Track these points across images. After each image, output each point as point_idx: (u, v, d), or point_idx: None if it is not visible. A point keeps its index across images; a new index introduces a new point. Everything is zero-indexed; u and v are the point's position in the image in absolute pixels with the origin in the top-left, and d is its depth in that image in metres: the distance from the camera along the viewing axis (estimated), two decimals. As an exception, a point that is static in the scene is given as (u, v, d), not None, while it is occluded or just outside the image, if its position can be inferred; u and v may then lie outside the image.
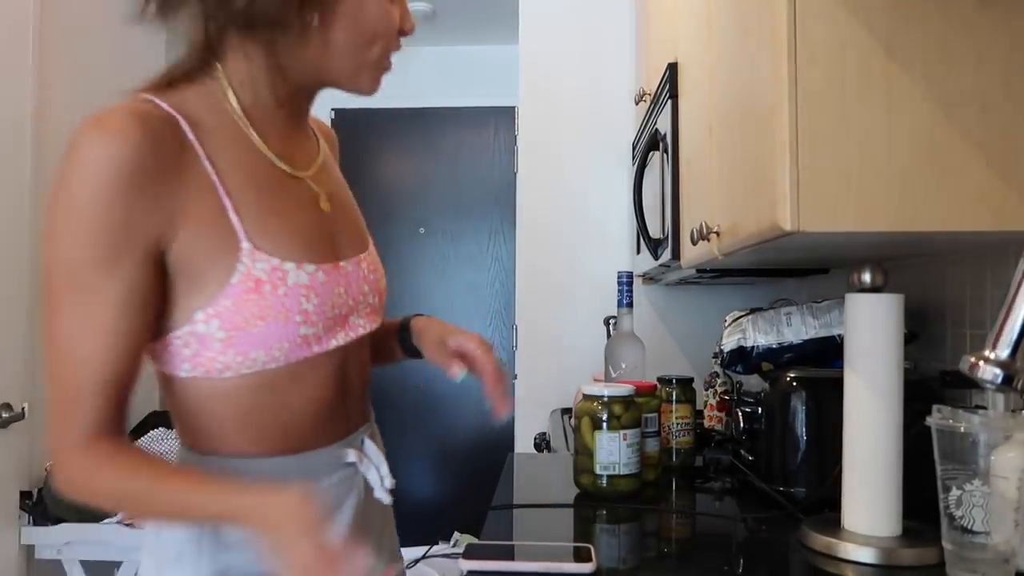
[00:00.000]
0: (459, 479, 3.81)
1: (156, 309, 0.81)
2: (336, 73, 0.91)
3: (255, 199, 0.84)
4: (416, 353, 1.09)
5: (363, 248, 0.98)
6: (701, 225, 1.37)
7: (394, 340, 1.10)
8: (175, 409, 0.89)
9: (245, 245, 0.82)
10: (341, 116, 3.75)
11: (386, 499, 0.98)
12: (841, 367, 1.07)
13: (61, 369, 0.78)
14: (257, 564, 0.82)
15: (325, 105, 3.54)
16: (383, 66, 0.93)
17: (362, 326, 0.95)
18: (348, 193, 1.03)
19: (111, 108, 0.83)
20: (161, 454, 2.39)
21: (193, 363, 0.83)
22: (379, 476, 0.97)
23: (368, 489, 0.97)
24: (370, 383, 1.02)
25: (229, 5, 0.86)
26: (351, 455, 0.94)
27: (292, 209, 0.88)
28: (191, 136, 0.82)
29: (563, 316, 2.61)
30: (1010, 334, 0.73)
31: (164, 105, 0.83)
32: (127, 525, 2.10)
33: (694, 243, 1.39)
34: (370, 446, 0.98)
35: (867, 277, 1.05)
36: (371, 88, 0.94)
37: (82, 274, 0.77)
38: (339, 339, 0.90)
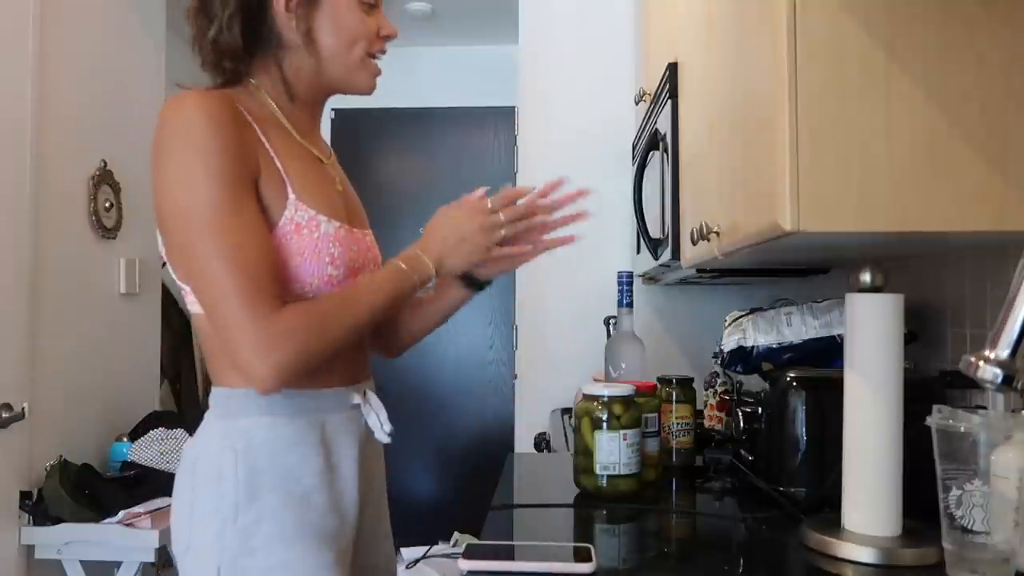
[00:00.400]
0: (459, 479, 3.81)
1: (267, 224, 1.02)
2: (332, 76, 1.14)
3: (296, 168, 1.06)
4: (478, 284, 1.24)
5: (365, 228, 1.20)
6: (701, 225, 1.37)
7: (450, 284, 1.24)
8: (208, 349, 1.08)
9: (291, 197, 1.04)
10: (341, 116, 3.76)
11: (385, 439, 1.14)
12: (841, 367, 1.07)
13: (239, 268, 0.95)
14: (285, 481, 1.02)
15: (326, 106, 3.53)
16: (370, 65, 1.15)
17: None
18: (351, 187, 1.25)
19: (186, 90, 1.01)
20: (161, 454, 2.39)
21: None
22: (379, 421, 1.13)
23: (369, 431, 1.13)
24: (367, 345, 1.20)
25: (209, 40, 1.07)
26: (356, 398, 1.12)
27: (322, 181, 1.11)
28: (245, 114, 1.04)
29: (563, 316, 2.61)
30: (1010, 334, 0.73)
31: (227, 92, 1.05)
32: (127, 525, 2.10)
33: (694, 243, 1.39)
34: (372, 395, 1.15)
35: (867, 277, 1.04)
36: (367, 85, 1.16)
37: (230, 196, 0.96)
38: None
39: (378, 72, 1.16)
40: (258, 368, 0.94)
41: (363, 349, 1.18)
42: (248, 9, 1.07)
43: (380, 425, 1.13)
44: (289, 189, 1.04)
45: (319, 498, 1.05)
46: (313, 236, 1.04)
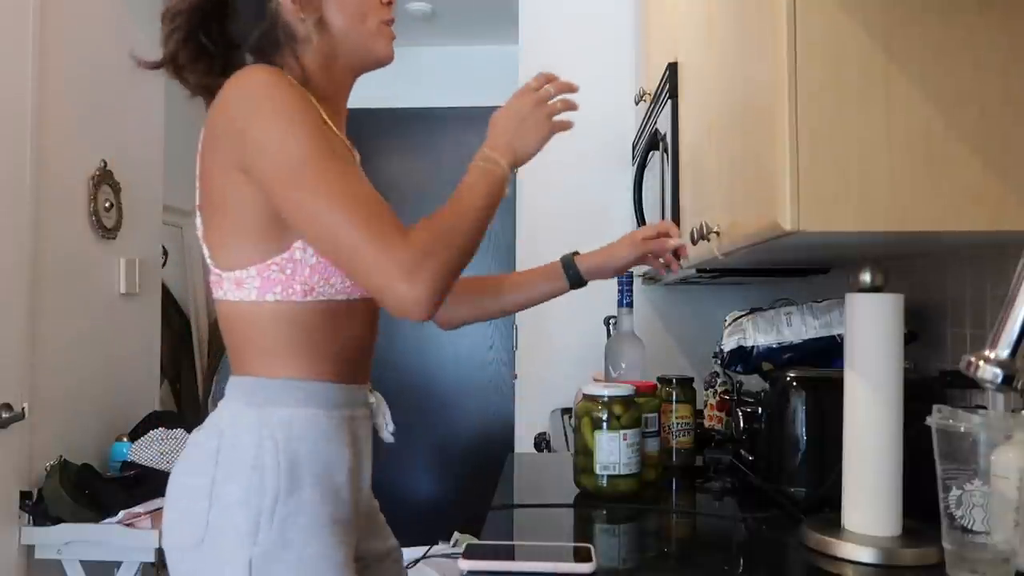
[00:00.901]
0: (459, 479, 3.81)
1: None
2: (352, 54, 1.13)
3: (340, 151, 1.01)
4: (580, 282, 1.37)
5: None
6: (701, 225, 1.37)
7: (558, 277, 1.36)
8: (243, 337, 1.06)
9: None
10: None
11: (389, 438, 1.17)
12: (841, 367, 1.07)
13: (360, 208, 0.94)
14: (322, 475, 1.02)
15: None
16: (386, 32, 1.14)
17: None
18: None
19: (254, 65, 1.03)
20: (161, 454, 2.39)
21: (284, 286, 1.02)
22: (385, 422, 1.17)
23: (374, 430, 1.16)
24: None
25: (229, 33, 1.09)
26: (371, 397, 1.16)
27: (362, 174, 1.05)
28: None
29: (563, 316, 2.61)
30: (1010, 334, 0.73)
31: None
32: (127, 525, 2.10)
33: (694, 243, 1.39)
34: (378, 395, 1.18)
35: (867, 277, 1.05)
36: (386, 52, 1.15)
37: (326, 145, 0.96)
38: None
39: (393, 36, 1.15)
40: (411, 294, 0.92)
41: (372, 354, 1.18)
42: (205, 21, 1.08)
43: (386, 424, 1.17)
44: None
45: (346, 493, 1.06)
46: None
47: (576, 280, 1.36)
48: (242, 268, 1.02)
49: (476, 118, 4.24)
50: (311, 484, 1.01)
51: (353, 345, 1.10)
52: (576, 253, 1.37)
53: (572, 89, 1.17)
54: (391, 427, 1.17)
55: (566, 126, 1.17)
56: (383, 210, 0.95)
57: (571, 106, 1.16)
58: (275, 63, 1.07)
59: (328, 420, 1.05)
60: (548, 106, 1.13)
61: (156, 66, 1.10)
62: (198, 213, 1.08)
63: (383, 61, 1.15)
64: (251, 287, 1.03)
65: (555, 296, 1.37)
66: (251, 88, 0.98)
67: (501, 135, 1.12)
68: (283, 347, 1.04)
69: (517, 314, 2.67)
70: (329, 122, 1.07)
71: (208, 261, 1.07)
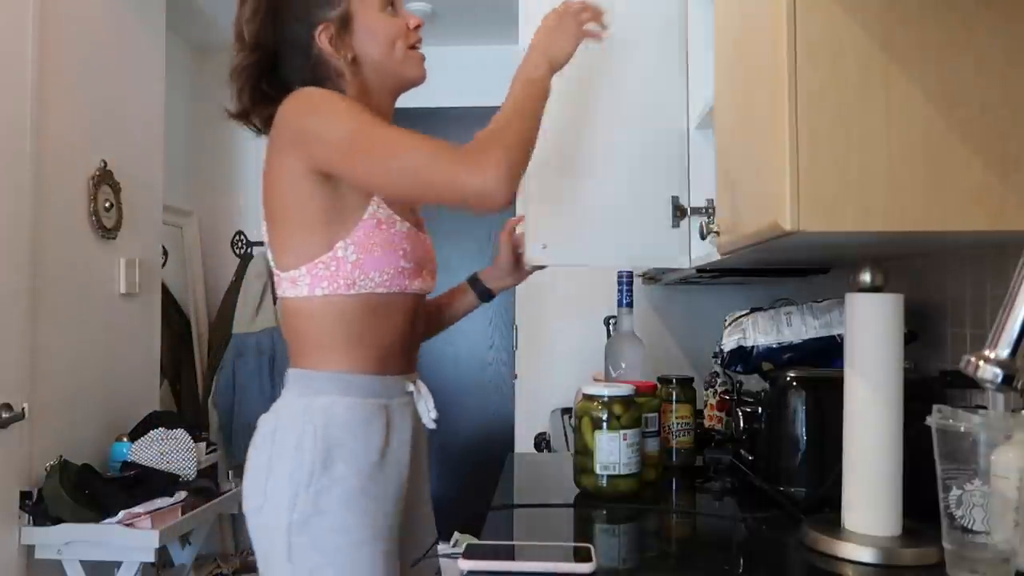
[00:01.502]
0: (459, 479, 3.81)
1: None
2: (387, 79, 1.29)
3: None
4: (488, 295, 1.52)
5: (424, 231, 1.35)
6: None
7: (466, 292, 1.52)
8: (297, 332, 1.24)
9: (376, 196, 1.20)
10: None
11: (431, 424, 1.30)
12: (841, 367, 1.07)
13: (415, 141, 1.12)
14: (355, 455, 1.18)
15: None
16: (413, 55, 1.30)
17: (427, 282, 1.31)
18: None
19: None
20: (161, 454, 2.40)
21: (330, 281, 1.18)
22: (427, 408, 1.29)
23: (418, 418, 1.29)
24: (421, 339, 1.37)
25: (284, 78, 1.28)
26: (411, 386, 1.28)
27: (407, 129, 1.18)
28: None
29: (563, 316, 2.61)
30: (1010, 334, 0.73)
31: None
32: (127, 525, 2.10)
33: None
34: (422, 385, 1.31)
35: (867, 277, 1.05)
36: (418, 74, 1.32)
37: (374, 119, 1.15)
38: (416, 285, 1.26)
39: (423, 58, 1.32)
40: (480, 183, 1.08)
41: (418, 345, 1.34)
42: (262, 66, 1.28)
43: (428, 411, 1.29)
44: None
45: (379, 473, 1.20)
46: (390, 231, 1.21)
47: (483, 293, 1.52)
48: (295, 268, 1.20)
49: (476, 118, 4.23)
50: (344, 462, 1.17)
51: (392, 337, 1.25)
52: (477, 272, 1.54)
53: (599, 10, 1.31)
54: (434, 414, 1.29)
55: (595, 34, 1.31)
56: (435, 139, 1.12)
57: (597, 15, 1.30)
58: (336, 80, 1.26)
59: (363, 408, 1.20)
60: (576, 15, 1.27)
61: (236, 117, 1.31)
62: (264, 224, 1.25)
63: (416, 82, 1.32)
64: (303, 284, 1.20)
65: (472, 310, 1.54)
66: (303, 97, 1.17)
67: (536, 48, 1.25)
68: (328, 340, 1.21)
69: (517, 314, 2.68)
70: None
71: (271, 264, 1.25)
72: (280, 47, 1.26)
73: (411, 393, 1.29)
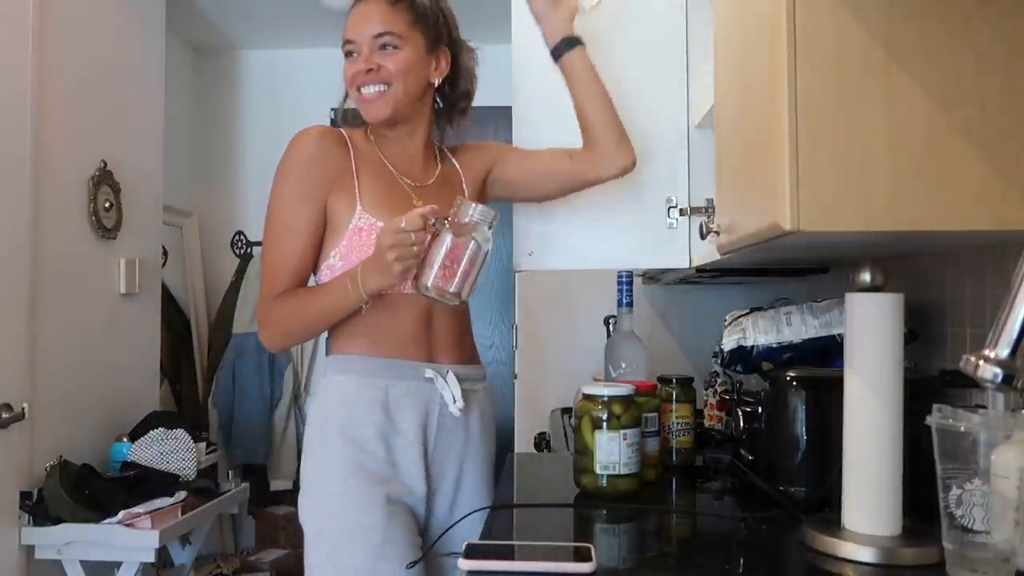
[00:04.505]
0: (459, 479, 3.81)
1: (319, 239, 1.37)
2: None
3: (373, 186, 1.38)
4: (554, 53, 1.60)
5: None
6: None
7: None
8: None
9: (358, 208, 1.35)
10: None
11: (455, 412, 1.37)
12: (841, 367, 1.07)
13: (272, 263, 1.36)
14: (347, 427, 1.32)
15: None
16: (360, 99, 1.41)
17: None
18: (452, 187, 1.48)
19: (316, 124, 1.42)
20: (161, 454, 2.40)
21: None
22: (452, 395, 1.37)
23: (443, 403, 1.37)
24: (463, 340, 1.48)
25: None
26: (428, 372, 1.37)
27: (397, 197, 1.39)
28: (350, 147, 1.41)
29: (563, 315, 2.61)
30: (1010, 333, 0.73)
31: (343, 130, 1.45)
32: (127, 525, 2.10)
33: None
34: (452, 377, 1.38)
35: (867, 277, 1.04)
36: (367, 116, 1.42)
37: (283, 215, 1.36)
38: (408, 288, 1.31)
39: (363, 103, 1.40)
40: (260, 336, 1.39)
41: (441, 333, 1.41)
42: None
43: (453, 399, 1.37)
44: (358, 201, 1.35)
45: (374, 447, 1.32)
46: (372, 238, 1.30)
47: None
48: (316, 273, 1.40)
49: (475, 118, 4.25)
50: (338, 434, 1.32)
51: (402, 330, 1.37)
52: None
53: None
54: (459, 403, 1.37)
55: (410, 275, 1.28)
56: (281, 272, 1.36)
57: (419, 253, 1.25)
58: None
59: (354, 385, 1.34)
60: (400, 250, 1.22)
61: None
62: None
63: (372, 122, 1.43)
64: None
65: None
66: (288, 148, 1.40)
67: (366, 266, 1.29)
68: (344, 328, 1.38)
69: (517, 314, 2.67)
70: (385, 161, 1.42)
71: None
72: None
73: (431, 380, 1.36)
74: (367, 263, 1.28)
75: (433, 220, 1.23)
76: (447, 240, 1.23)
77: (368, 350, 1.36)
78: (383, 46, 1.37)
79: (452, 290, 1.25)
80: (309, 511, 1.33)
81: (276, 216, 1.36)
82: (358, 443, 1.32)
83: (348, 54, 1.40)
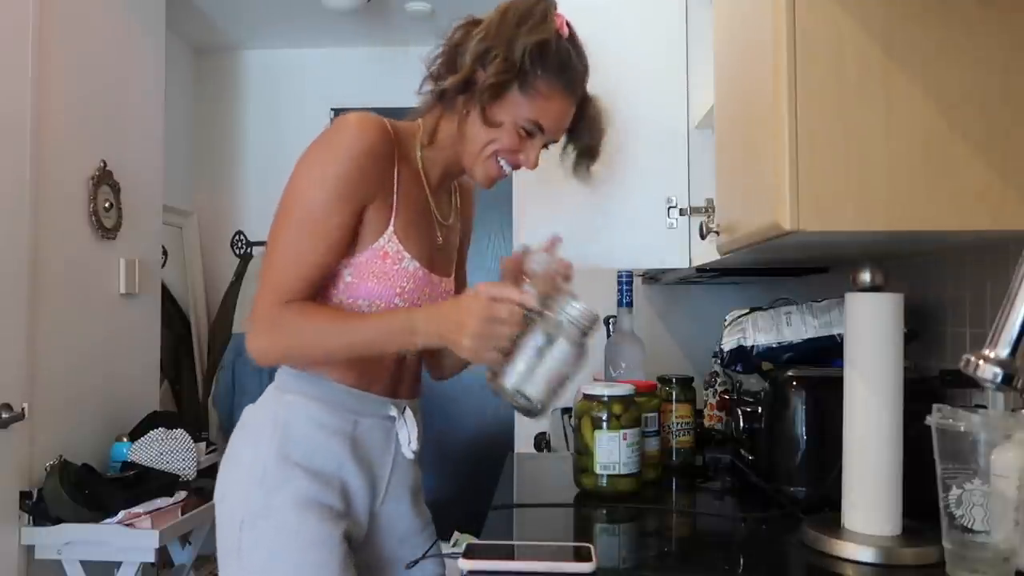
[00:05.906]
0: (459, 479, 3.81)
1: (345, 249, 1.16)
2: (462, 155, 1.23)
3: (408, 210, 1.21)
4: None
5: (448, 276, 1.31)
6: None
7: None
8: None
9: (391, 228, 1.18)
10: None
11: (408, 455, 1.25)
12: (841, 366, 1.07)
13: (287, 260, 1.13)
14: (311, 457, 1.15)
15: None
16: (491, 166, 1.22)
17: None
18: (458, 239, 1.37)
19: (370, 114, 1.17)
20: (161, 454, 2.39)
21: (323, 295, 1.18)
22: (408, 437, 1.24)
23: (399, 444, 1.25)
24: (421, 373, 1.34)
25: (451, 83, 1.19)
26: (392, 410, 1.23)
27: (423, 230, 1.24)
28: (396, 156, 1.19)
29: (563, 316, 2.60)
30: (1010, 333, 0.73)
31: (391, 130, 1.19)
32: (127, 525, 2.10)
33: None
34: (409, 414, 1.26)
35: (867, 276, 1.04)
36: (481, 179, 1.24)
37: (314, 208, 1.12)
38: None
39: (497, 175, 1.23)
40: (248, 340, 1.14)
41: (409, 368, 1.28)
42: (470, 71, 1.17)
43: (408, 441, 1.24)
44: (392, 222, 1.18)
45: (337, 482, 1.17)
46: (395, 267, 1.18)
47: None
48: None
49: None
50: (298, 464, 1.15)
51: (379, 363, 1.21)
52: None
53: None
54: (413, 446, 1.24)
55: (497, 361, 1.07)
56: (299, 276, 1.13)
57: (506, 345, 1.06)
58: (429, 108, 1.24)
59: (327, 415, 1.18)
60: (507, 328, 1.04)
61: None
62: None
63: (478, 184, 1.27)
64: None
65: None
66: (336, 133, 1.16)
67: (441, 320, 1.08)
68: None
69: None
70: (424, 181, 1.24)
71: None
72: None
73: (393, 417, 1.24)
74: (445, 320, 1.07)
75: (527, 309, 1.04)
76: (540, 339, 1.03)
77: (339, 376, 1.19)
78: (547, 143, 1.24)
79: (537, 398, 1.06)
80: (252, 544, 1.13)
81: (302, 206, 1.13)
82: (320, 475, 1.15)
83: (528, 134, 1.19)
